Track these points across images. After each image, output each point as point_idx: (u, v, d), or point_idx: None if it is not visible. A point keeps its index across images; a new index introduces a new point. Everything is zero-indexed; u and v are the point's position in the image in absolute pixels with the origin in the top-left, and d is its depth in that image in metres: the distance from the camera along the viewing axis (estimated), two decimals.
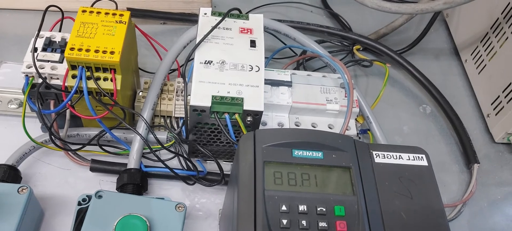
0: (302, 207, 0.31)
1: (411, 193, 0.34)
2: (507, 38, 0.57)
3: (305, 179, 0.33)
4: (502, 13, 0.58)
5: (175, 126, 0.51)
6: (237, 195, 0.32)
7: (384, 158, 0.35)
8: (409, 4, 0.56)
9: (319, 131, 0.35)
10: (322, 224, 0.31)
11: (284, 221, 0.30)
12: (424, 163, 0.36)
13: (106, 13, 0.45)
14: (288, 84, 0.51)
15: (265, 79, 0.50)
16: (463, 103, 0.64)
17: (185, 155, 0.49)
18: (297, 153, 0.34)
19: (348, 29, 0.70)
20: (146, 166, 0.49)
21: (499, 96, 0.58)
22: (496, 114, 0.59)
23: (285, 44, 0.60)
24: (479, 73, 0.63)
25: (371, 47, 0.66)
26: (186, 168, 0.49)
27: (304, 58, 0.62)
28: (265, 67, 0.56)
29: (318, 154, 0.34)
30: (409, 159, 0.36)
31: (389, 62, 0.64)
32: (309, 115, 0.52)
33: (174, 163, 0.51)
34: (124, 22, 0.44)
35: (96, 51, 0.42)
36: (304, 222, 0.31)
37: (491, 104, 0.60)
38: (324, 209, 0.31)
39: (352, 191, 0.33)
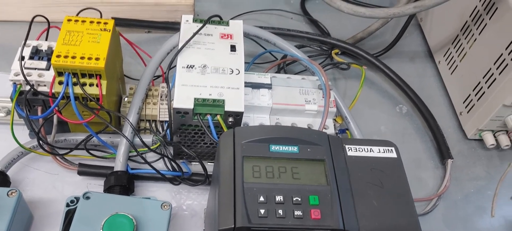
0: (278, 198, 0.33)
1: (381, 182, 0.36)
2: (475, 39, 0.60)
3: (282, 171, 0.35)
4: (470, 16, 0.61)
5: (160, 129, 0.53)
6: (218, 188, 0.34)
7: (357, 151, 0.38)
8: (382, 8, 0.59)
9: (295, 127, 0.37)
10: (298, 212, 0.33)
11: (262, 211, 0.32)
12: (394, 155, 0.38)
13: (91, 22, 0.47)
14: (268, 86, 0.53)
15: (246, 82, 0.52)
16: (437, 102, 0.67)
17: (170, 157, 0.50)
18: (274, 148, 0.36)
19: (327, 34, 0.73)
20: (132, 168, 0.50)
21: (470, 95, 0.61)
22: (468, 112, 0.62)
23: (266, 49, 0.62)
24: (451, 74, 0.66)
25: (349, 51, 0.68)
26: (171, 169, 0.51)
27: (284, 62, 0.64)
28: (246, 71, 0.58)
29: (294, 148, 0.36)
30: (380, 152, 0.38)
31: (366, 65, 0.67)
32: (289, 116, 0.54)
33: (160, 166, 0.52)
34: (108, 30, 0.46)
35: (82, 58, 0.44)
36: (280, 211, 0.33)
37: (463, 102, 0.63)
38: (299, 199, 0.33)
39: (326, 181, 0.35)
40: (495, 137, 0.60)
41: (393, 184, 0.36)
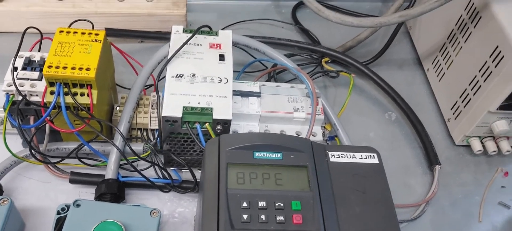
0: (261, 203, 0.34)
1: (363, 188, 0.37)
2: (461, 47, 0.61)
3: (266, 178, 0.36)
4: (456, 25, 0.63)
5: (151, 137, 0.54)
6: (203, 194, 0.35)
7: (339, 157, 0.39)
8: (369, 18, 0.61)
9: (279, 134, 0.38)
10: (280, 217, 0.33)
11: (245, 216, 0.33)
12: (376, 161, 0.39)
13: (82, 33, 0.48)
14: (257, 94, 0.54)
15: (235, 91, 0.54)
16: (426, 109, 0.68)
17: (160, 165, 0.51)
18: (258, 154, 0.37)
19: (317, 43, 0.74)
20: (123, 176, 0.51)
21: (457, 101, 0.62)
22: (455, 119, 0.63)
23: (255, 58, 0.63)
24: (439, 81, 0.67)
25: (339, 59, 0.69)
26: (161, 177, 0.51)
27: (274, 71, 0.66)
28: (237, 79, 0.59)
29: (278, 155, 0.37)
30: (362, 158, 0.39)
31: (355, 73, 0.68)
32: (278, 123, 0.55)
33: (152, 173, 0.53)
34: (99, 41, 0.47)
35: (73, 68, 0.45)
36: (263, 217, 0.33)
37: (451, 109, 0.64)
38: (282, 204, 0.34)
39: (309, 187, 0.36)
40: (482, 143, 0.61)
41: (375, 189, 0.37)
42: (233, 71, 0.51)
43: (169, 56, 0.49)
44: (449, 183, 0.60)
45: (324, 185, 0.36)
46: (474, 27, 0.59)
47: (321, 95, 0.57)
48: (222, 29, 0.58)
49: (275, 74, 0.67)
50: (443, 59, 0.66)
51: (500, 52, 0.53)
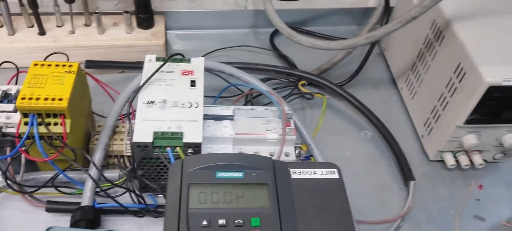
0: (221, 221, 0.35)
1: (323, 203, 0.38)
2: (429, 65, 0.63)
3: (227, 196, 0.37)
4: (423, 44, 0.65)
5: (128, 163, 0.55)
6: (165, 216, 0.36)
7: (301, 174, 0.40)
8: (338, 41, 0.63)
9: (241, 154, 0.40)
10: None
11: None
12: (336, 176, 0.40)
13: (57, 65, 0.50)
14: (230, 118, 0.56)
15: (209, 115, 0.55)
16: (401, 126, 0.70)
17: (135, 190, 0.52)
18: (220, 174, 0.38)
19: (294, 66, 0.76)
20: (99, 203, 0.52)
21: (429, 118, 0.64)
22: (428, 135, 0.64)
23: (230, 83, 0.65)
24: (412, 99, 0.69)
25: (315, 82, 0.71)
26: (137, 202, 0.52)
27: (250, 94, 0.67)
28: (213, 104, 0.61)
29: (239, 174, 0.38)
30: (323, 173, 0.40)
31: (331, 94, 0.70)
32: (251, 145, 0.56)
33: (128, 199, 0.54)
34: (72, 72, 0.49)
35: (46, 99, 0.46)
36: None
37: (424, 125, 0.65)
38: (241, 221, 0.35)
39: (269, 204, 0.37)
40: (455, 157, 0.62)
41: (335, 204, 0.38)
42: (211, 96, 0.53)
43: (140, 84, 0.51)
44: (425, 198, 0.61)
45: (285, 201, 0.37)
46: (439, 46, 0.61)
47: (293, 117, 0.58)
48: (203, 56, 0.60)
49: (252, 98, 0.69)
50: (415, 78, 0.68)
51: (462, 68, 0.55)
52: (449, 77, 0.58)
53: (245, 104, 0.68)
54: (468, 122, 0.56)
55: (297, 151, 0.57)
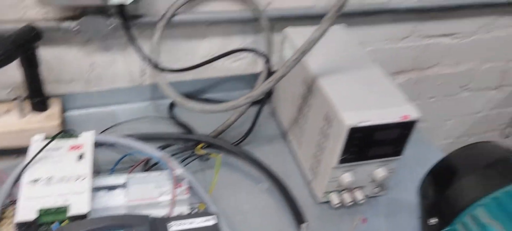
0: None
1: None
2: (308, 117, 0.71)
3: None
4: (301, 99, 0.73)
5: None
6: None
7: (179, 226, 0.43)
8: (224, 103, 0.69)
9: (119, 215, 0.42)
10: None
11: None
12: (212, 222, 0.44)
13: None
14: (123, 186, 0.58)
15: (101, 186, 0.57)
16: (293, 175, 0.76)
17: None
18: None
19: (190, 132, 0.81)
20: None
21: (313, 163, 0.71)
22: (315, 179, 0.71)
23: (125, 154, 0.67)
24: (300, 148, 0.76)
25: (212, 144, 0.76)
26: None
27: (147, 162, 0.70)
28: (110, 175, 0.63)
29: None
30: (200, 222, 0.43)
31: (226, 153, 0.75)
32: (146, 210, 0.58)
33: None
34: None
35: None
36: None
37: (310, 171, 0.72)
38: None
39: None
40: (340, 196, 0.69)
41: None
42: (107, 168, 0.55)
43: (24, 165, 0.51)
44: None
45: None
46: (312, 99, 0.69)
47: (186, 177, 0.62)
48: (103, 131, 0.62)
49: (150, 166, 0.71)
50: (299, 130, 0.76)
51: (329, 116, 0.63)
52: (322, 125, 0.66)
53: (147, 170, 0.70)
54: (341, 161, 0.63)
55: (194, 211, 0.61)
